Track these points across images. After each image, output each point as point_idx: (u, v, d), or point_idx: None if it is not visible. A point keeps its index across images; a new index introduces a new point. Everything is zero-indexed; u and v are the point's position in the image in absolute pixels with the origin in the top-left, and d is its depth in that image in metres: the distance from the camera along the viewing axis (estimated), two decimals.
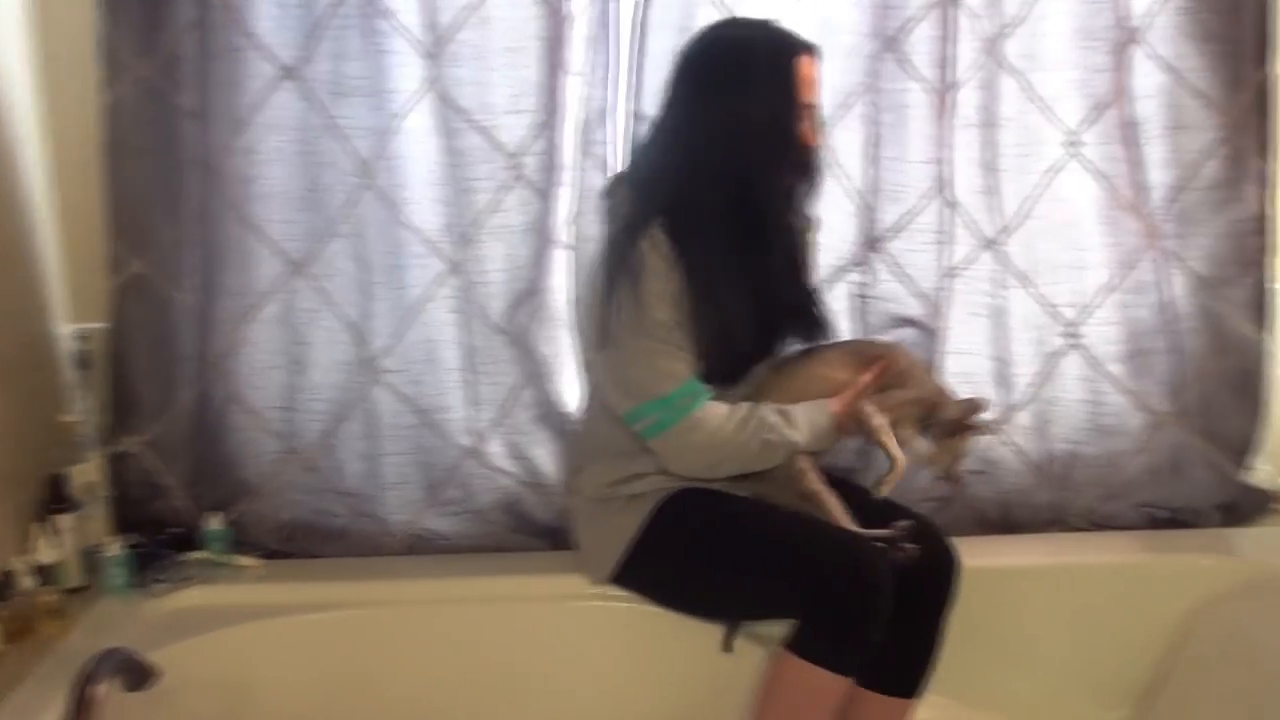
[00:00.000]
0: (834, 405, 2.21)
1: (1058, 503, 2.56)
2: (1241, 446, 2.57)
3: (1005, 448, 2.54)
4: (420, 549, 2.52)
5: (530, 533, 2.54)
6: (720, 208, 2.11)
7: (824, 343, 2.32)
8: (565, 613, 2.38)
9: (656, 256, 2.08)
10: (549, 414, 2.51)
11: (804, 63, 2.12)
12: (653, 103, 2.39)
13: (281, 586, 2.41)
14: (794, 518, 2.17)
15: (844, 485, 2.26)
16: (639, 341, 2.10)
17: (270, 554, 2.49)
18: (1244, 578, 2.43)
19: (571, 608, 2.37)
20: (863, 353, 2.30)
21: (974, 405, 2.24)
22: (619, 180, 2.25)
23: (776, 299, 2.23)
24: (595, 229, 2.33)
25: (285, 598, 2.37)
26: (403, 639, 2.37)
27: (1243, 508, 2.58)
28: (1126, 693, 2.47)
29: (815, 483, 2.20)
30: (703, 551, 2.20)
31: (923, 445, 2.25)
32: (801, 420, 2.17)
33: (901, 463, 2.18)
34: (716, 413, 2.14)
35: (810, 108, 2.15)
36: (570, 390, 2.52)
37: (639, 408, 2.14)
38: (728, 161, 2.10)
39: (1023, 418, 2.54)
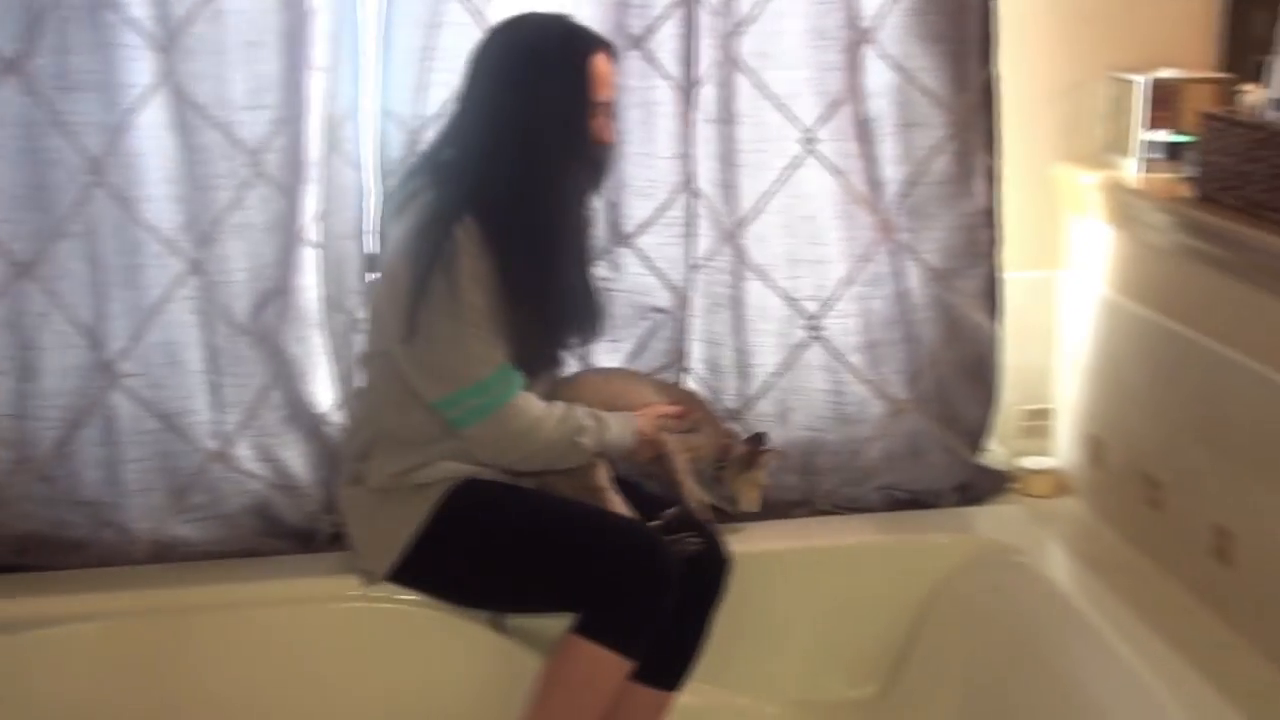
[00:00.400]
0: (641, 424, 2.28)
1: (803, 487, 2.64)
2: (976, 430, 2.68)
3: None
4: (166, 557, 2.44)
5: (281, 536, 2.49)
6: (521, 200, 2.13)
7: (636, 370, 2.49)
8: (330, 615, 2.35)
9: (469, 243, 2.09)
10: (299, 414, 2.47)
11: (599, 60, 2.16)
12: (401, 99, 2.40)
13: (12, 602, 2.31)
14: (583, 507, 2.22)
15: (623, 483, 2.31)
16: (454, 327, 2.10)
17: (5, 568, 2.38)
18: (978, 553, 2.55)
19: (336, 610, 2.35)
20: (668, 390, 2.44)
21: (759, 437, 2.43)
22: (414, 172, 2.24)
23: (571, 291, 2.26)
24: (383, 223, 2.34)
25: (21, 611, 2.29)
26: (157, 648, 2.30)
27: (978, 488, 2.70)
28: (875, 669, 2.56)
29: (604, 479, 2.26)
30: (492, 542, 2.22)
31: (706, 496, 2.39)
32: (613, 431, 2.23)
33: (694, 502, 2.32)
34: (535, 405, 2.18)
35: (605, 105, 2.18)
36: (322, 390, 2.48)
37: (454, 394, 2.14)
38: (524, 155, 2.13)
39: (764, 406, 2.60)
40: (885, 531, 2.62)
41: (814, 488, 2.64)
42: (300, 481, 2.49)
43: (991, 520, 2.67)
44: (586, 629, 2.12)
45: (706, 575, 2.28)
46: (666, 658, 2.24)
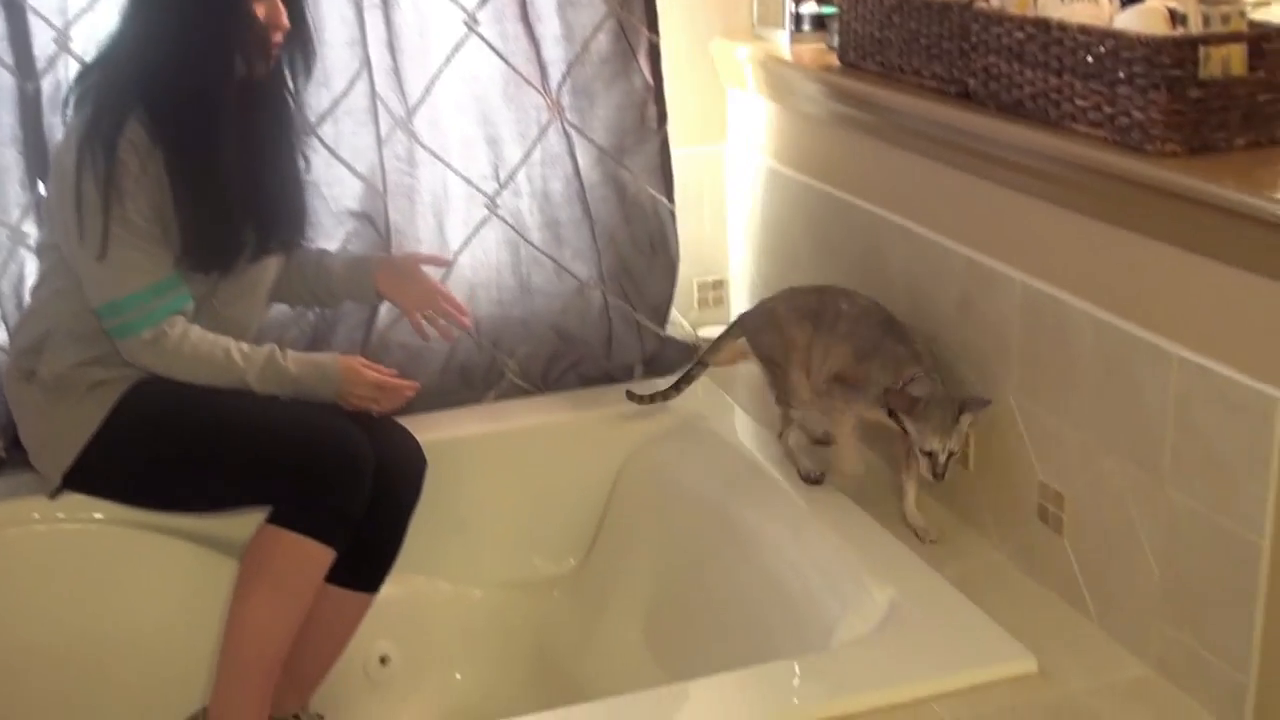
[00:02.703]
0: (344, 375, 2.20)
1: (493, 367, 2.66)
2: (659, 304, 2.75)
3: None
4: None
5: None
6: (185, 91, 2.07)
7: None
8: (12, 541, 2.25)
9: (135, 144, 2.03)
10: None
11: None
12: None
13: None
14: (269, 399, 2.17)
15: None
16: (115, 232, 2.04)
17: None
18: (667, 424, 2.63)
19: (18, 535, 2.25)
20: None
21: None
22: (88, 70, 2.14)
23: (252, 183, 2.19)
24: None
25: None
26: None
27: (664, 360, 2.77)
28: (574, 543, 2.64)
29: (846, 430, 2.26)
30: (178, 439, 2.16)
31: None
32: (299, 378, 2.17)
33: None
34: (194, 332, 2.13)
35: None
36: None
37: (110, 304, 2.08)
38: (186, 44, 2.06)
39: (452, 286, 2.60)
40: (577, 408, 2.67)
41: (504, 367, 2.67)
42: None
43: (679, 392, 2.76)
44: (283, 519, 2.11)
45: (403, 477, 2.29)
46: (364, 559, 2.24)
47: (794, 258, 2.62)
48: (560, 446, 2.63)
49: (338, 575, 2.19)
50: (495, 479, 2.57)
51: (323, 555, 2.12)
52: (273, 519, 2.12)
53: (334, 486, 2.13)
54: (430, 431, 2.42)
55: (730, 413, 2.65)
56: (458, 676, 2.52)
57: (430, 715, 2.42)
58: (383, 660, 2.45)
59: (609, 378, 2.74)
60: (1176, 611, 1.70)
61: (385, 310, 2.55)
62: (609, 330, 2.71)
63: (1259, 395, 1.53)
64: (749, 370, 2.81)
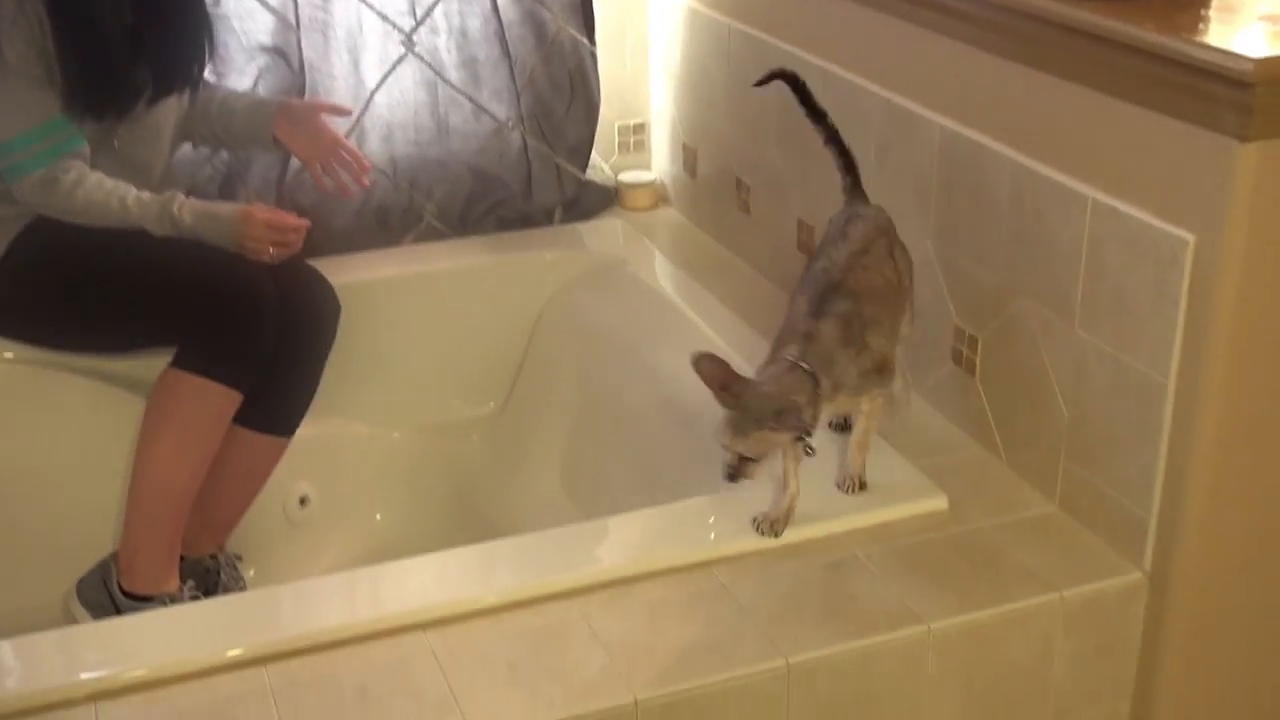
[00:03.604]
0: (241, 227, 2.13)
1: (411, 208, 2.63)
2: (579, 147, 2.72)
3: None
4: None
5: None
6: None
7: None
8: None
9: None
10: None
11: None
12: None
13: None
14: (170, 240, 2.13)
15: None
16: None
17: None
18: (586, 267, 2.63)
19: None
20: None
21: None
22: None
23: (152, 24, 2.13)
24: None
25: None
26: None
27: (584, 204, 2.77)
28: (494, 387, 2.64)
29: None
30: (76, 276, 2.13)
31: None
32: (195, 225, 2.11)
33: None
34: (89, 176, 2.09)
35: None
36: None
37: (1, 144, 2.04)
38: None
39: (368, 124, 2.56)
40: (496, 252, 2.66)
41: (421, 209, 2.64)
42: None
43: (597, 235, 2.75)
44: (185, 361, 2.10)
45: (314, 320, 2.27)
46: (276, 403, 2.23)
47: (714, 100, 2.60)
48: (479, 289, 2.62)
49: (251, 419, 2.19)
50: (414, 322, 2.57)
51: (226, 397, 2.11)
52: (175, 362, 2.11)
53: (234, 328, 2.11)
54: (348, 274, 2.40)
55: (650, 257, 2.64)
56: (377, 517, 2.54)
57: (350, 555, 2.44)
58: (302, 501, 2.46)
59: (528, 220, 2.73)
60: (1083, 451, 1.74)
61: None
62: (528, 172, 2.68)
63: (1169, 237, 1.55)
64: (668, 215, 2.81)
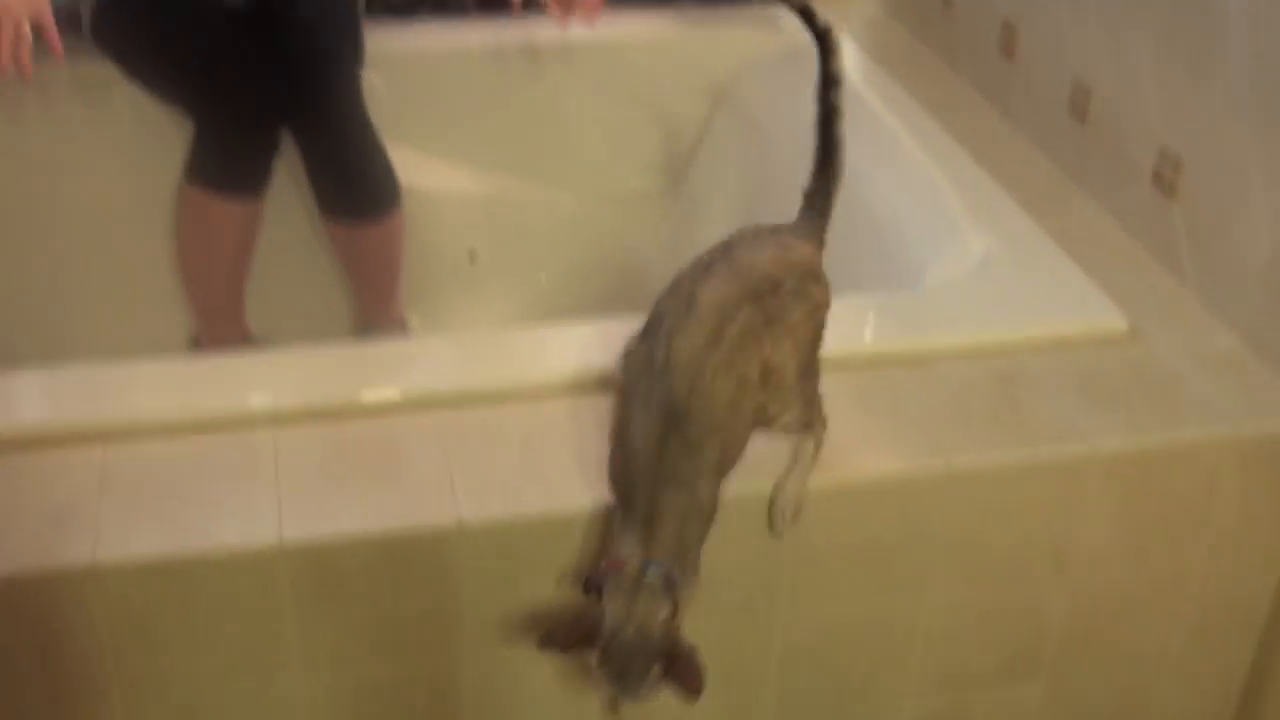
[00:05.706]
0: None
1: None
2: None
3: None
4: None
5: None
6: None
7: None
8: None
9: None
10: None
11: None
12: None
13: None
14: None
15: None
16: None
17: None
18: (771, 50, 2.56)
19: None
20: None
21: None
22: None
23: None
24: None
25: None
26: None
27: None
28: (666, 162, 2.63)
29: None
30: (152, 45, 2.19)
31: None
32: None
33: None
34: None
35: None
36: None
37: None
38: None
39: None
40: (685, 24, 2.60)
41: None
42: None
43: (791, 17, 2.65)
44: (187, 171, 2.17)
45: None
46: (338, 191, 2.22)
47: None
48: (663, 61, 2.58)
49: (324, 212, 2.23)
50: (596, 90, 2.54)
51: (230, 208, 2.16)
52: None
53: (223, 132, 2.14)
54: (537, 33, 2.37)
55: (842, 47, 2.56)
56: (543, 277, 2.57)
57: (512, 309, 2.47)
58: (471, 256, 2.49)
59: None
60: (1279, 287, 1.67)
61: None
62: None
63: None
64: (864, 3, 2.71)
